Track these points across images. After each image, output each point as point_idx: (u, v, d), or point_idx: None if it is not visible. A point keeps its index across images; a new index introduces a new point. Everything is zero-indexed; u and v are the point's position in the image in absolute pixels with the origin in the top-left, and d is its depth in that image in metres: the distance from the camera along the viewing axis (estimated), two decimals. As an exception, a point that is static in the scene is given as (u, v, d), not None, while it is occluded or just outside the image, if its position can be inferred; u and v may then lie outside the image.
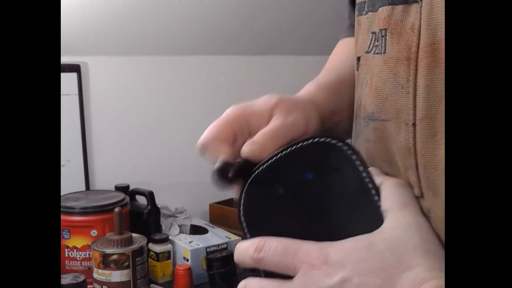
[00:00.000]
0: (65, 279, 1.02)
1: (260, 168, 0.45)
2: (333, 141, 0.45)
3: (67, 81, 1.38)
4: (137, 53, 1.48)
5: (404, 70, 0.45)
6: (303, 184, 0.43)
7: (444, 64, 0.41)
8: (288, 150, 0.45)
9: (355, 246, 0.40)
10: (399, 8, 0.45)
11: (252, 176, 0.45)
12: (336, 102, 0.60)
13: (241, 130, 0.50)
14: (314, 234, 0.41)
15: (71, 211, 1.16)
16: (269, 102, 0.52)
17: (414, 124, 0.44)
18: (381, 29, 0.48)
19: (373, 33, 0.49)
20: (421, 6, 0.43)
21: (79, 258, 1.15)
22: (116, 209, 1.10)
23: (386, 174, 0.49)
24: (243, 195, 0.45)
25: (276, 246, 0.41)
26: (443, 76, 0.42)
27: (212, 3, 1.44)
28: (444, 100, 0.42)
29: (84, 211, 1.16)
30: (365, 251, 0.39)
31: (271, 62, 1.70)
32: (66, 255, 1.15)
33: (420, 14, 0.43)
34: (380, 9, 0.48)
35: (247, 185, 0.44)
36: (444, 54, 0.41)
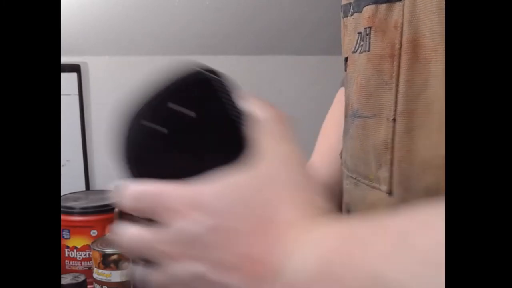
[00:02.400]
0: (65, 279, 1.02)
1: (142, 105, 0.43)
2: (201, 72, 0.43)
3: (67, 81, 1.38)
4: (137, 53, 1.48)
5: (387, 67, 0.46)
6: (179, 120, 0.41)
7: (424, 60, 0.43)
8: (166, 85, 0.44)
9: (222, 188, 0.38)
10: (383, 6, 0.47)
11: (137, 112, 0.43)
12: None
13: None
14: (191, 175, 0.39)
15: (71, 211, 1.16)
16: None
17: (394, 120, 0.45)
18: (365, 28, 0.49)
19: (359, 33, 0.50)
20: (403, 4, 0.45)
21: (79, 258, 1.15)
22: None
23: (358, 172, 0.50)
24: (129, 130, 0.43)
25: (142, 190, 0.40)
26: (422, 71, 0.43)
27: (212, 3, 1.44)
28: (422, 95, 0.43)
29: (84, 211, 1.16)
30: (234, 193, 0.38)
31: (271, 62, 1.70)
32: (66, 255, 1.15)
33: (403, 12, 0.45)
34: (365, 8, 0.49)
35: (132, 119, 0.43)
36: (424, 50, 0.43)
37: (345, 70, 0.55)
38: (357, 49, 0.51)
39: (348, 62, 0.54)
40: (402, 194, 0.44)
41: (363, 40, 0.50)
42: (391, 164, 0.45)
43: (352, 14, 0.52)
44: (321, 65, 1.79)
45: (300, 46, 1.71)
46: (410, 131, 0.44)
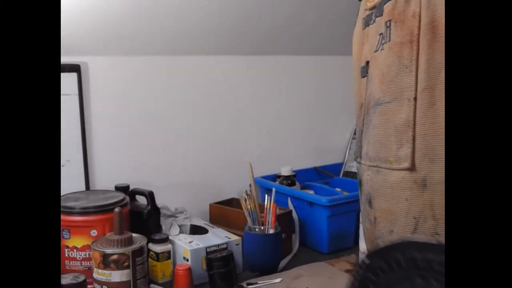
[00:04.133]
0: (65, 279, 1.02)
1: None
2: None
3: (67, 81, 1.38)
4: (137, 53, 1.48)
5: (407, 52, 0.50)
6: None
7: (442, 39, 0.47)
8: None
9: None
10: (401, 0, 0.51)
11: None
12: None
13: None
14: None
15: (71, 211, 1.16)
16: None
17: (415, 99, 0.49)
18: (386, 21, 0.53)
19: (380, 34, 0.55)
20: None
21: (79, 258, 1.15)
22: (116, 209, 1.10)
23: (379, 158, 0.54)
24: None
25: None
26: (442, 49, 0.47)
27: (212, 3, 1.44)
28: (442, 72, 0.46)
29: (84, 211, 1.16)
30: None
31: (271, 62, 1.71)
32: (66, 255, 1.15)
33: (420, 3, 0.49)
34: (385, 6, 0.54)
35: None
36: (442, 30, 0.47)
37: (364, 76, 0.59)
38: (379, 47, 0.55)
39: (370, 63, 0.58)
40: (428, 165, 0.47)
41: (384, 38, 0.54)
42: (413, 140, 0.49)
43: (374, 21, 0.57)
44: (320, 65, 1.79)
45: (300, 46, 1.71)
46: (433, 105, 0.48)
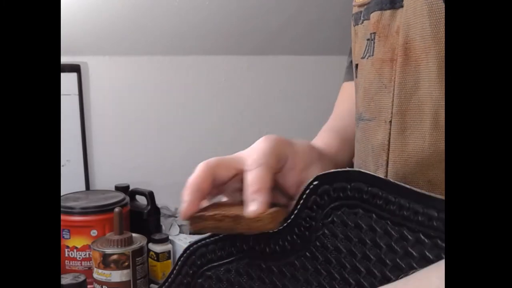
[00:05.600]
0: (65, 279, 1.02)
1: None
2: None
3: (67, 81, 1.38)
4: (137, 53, 1.48)
5: (388, 70, 0.47)
6: None
7: (414, 63, 0.44)
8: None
9: None
10: (387, 13, 0.48)
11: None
12: (351, 156, 0.61)
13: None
14: None
15: (71, 211, 1.16)
16: (311, 154, 0.53)
17: (390, 122, 0.47)
18: (371, 33, 0.50)
19: (368, 39, 0.52)
20: (403, 10, 0.46)
21: (79, 258, 1.15)
22: (116, 209, 1.10)
23: (359, 167, 0.51)
24: None
25: None
26: (413, 73, 0.45)
27: (212, 3, 1.44)
28: (413, 97, 0.44)
29: (84, 211, 1.16)
30: None
31: (271, 62, 1.70)
32: (66, 255, 1.15)
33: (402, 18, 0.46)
34: (372, 14, 0.51)
35: None
36: (414, 53, 0.44)
37: (356, 77, 0.57)
38: (365, 55, 0.52)
39: (358, 68, 0.55)
40: None
41: (368, 49, 0.51)
42: (387, 165, 0.47)
43: (362, 22, 0.54)
44: (320, 65, 1.79)
45: (300, 46, 1.71)
46: (403, 132, 0.46)
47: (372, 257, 0.41)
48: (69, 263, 1.16)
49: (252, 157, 0.48)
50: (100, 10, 1.33)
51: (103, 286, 1.07)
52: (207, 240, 0.49)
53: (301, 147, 0.52)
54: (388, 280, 0.40)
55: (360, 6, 0.55)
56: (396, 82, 0.46)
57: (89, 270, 1.12)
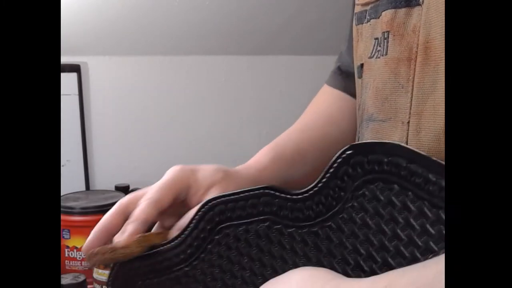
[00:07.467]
0: (65, 279, 1.02)
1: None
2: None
3: (67, 81, 1.38)
4: (137, 53, 1.48)
5: (404, 70, 0.46)
6: None
7: (433, 62, 0.43)
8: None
9: None
10: (402, 11, 0.47)
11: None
12: (289, 174, 0.62)
13: (181, 194, 0.54)
14: None
15: (71, 211, 1.16)
16: (215, 176, 0.55)
17: (408, 122, 0.46)
18: (383, 32, 0.49)
19: (376, 39, 0.51)
20: (422, 8, 0.45)
21: (79, 258, 1.15)
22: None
23: None
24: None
25: None
26: (432, 73, 0.44)
27: (212, 3, 1.44)
28: (430, 98, 0.44)
29: (84, 211, 1.16)
30: None
31: (271, 62, 1.70)
32: (66, 255, 1.15)
33: (421, 16, 0.45)
34: (383, 13, 0.49)
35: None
36: (435, 52, 0.43)
37: (359, 77, 0.56)
38: (374, 54, 0.51)
39: (364, 68, 0.54)
40: None
41: (380, 45, 0.50)
42: None
43: (368, 21, 0.53)
44: (320, 65, 1.79)
45: (300, 46, 1.71)
46: (418, 133, 0.45)
47: (403, 237, 0.39)
48: (69, 263, 1.16)
49: (147, 193, 0.55)
50: (100, 10, 1.33)
51: (103, 286, 1.07)
52: (228, 198, 0.48)
53: (202, 172, 0.55)
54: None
55: (364, 5, 0.54)
56: (414, 82, 0.45)
57: (89, 270, 1.11)
